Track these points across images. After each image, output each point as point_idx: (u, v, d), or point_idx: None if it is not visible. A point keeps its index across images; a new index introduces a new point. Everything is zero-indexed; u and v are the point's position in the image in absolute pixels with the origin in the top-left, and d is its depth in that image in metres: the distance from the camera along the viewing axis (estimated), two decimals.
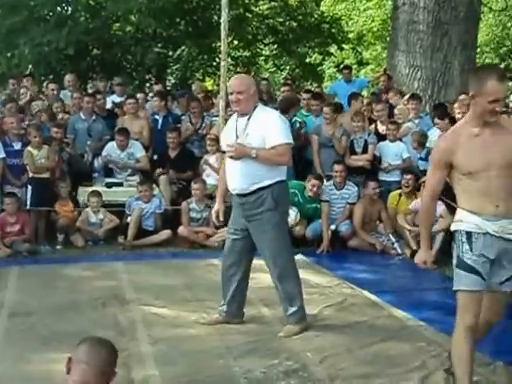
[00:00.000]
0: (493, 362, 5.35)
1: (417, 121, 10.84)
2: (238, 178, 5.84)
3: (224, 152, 6.16)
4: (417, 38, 13.20)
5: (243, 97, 5.75)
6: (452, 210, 8.92)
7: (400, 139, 10.57)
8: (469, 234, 4.29)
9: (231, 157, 5.77)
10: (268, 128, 5.73)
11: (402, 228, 9.57)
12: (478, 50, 19.97)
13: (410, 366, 5.29)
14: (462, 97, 10.34)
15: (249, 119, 5.80)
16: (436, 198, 4.49)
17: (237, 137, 5.83)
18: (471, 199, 4.27)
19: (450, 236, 4.79)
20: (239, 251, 6.06)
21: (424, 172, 9.94)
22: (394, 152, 10.45)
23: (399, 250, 9.58)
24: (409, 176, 9.82)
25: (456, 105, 9.62)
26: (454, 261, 4.39)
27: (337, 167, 9.97)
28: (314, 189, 9.71)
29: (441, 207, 9.24)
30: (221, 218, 6.22)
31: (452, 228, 4.44)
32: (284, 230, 6.02)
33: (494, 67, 5.03)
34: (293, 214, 9.39)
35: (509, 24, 20.16)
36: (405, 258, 9.38)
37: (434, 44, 13.07)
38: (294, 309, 5.98)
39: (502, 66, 20.24)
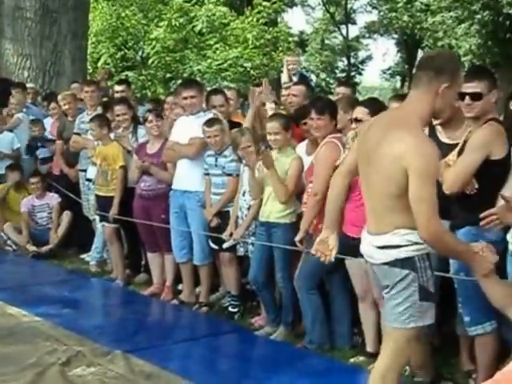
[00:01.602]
0: (111, 351, 5.30)
1: (25, 110, 10.42)
2: None
3: None
4: (24, 26, 12.70)
5: None
6: None
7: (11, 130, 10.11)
8: (428, 256, 3.50)
9: None
10: None
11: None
12: (94, 39, 20.04)
13: (24, 364, 5.06)
14: (74, 85, 10.18)
15: None
16: None
17: None
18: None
19: None
20: None
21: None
22: (4, 143, 9.95)
23: (14, 246, 9.15)
24: (15, 173, 9.47)
25: (60, 96, 9.37)
26: (416, 294, 3.46)
27: None
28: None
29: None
30: None
31: (406, 255, 3.45)
32: None
33: None
34: None
35: (123, 14, 20.48)
36: (21, 254, 9.03)
37: (43, 32, 12.69)
38: None
39: (119, 55, 20.53)
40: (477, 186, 4.34)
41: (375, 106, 5.21)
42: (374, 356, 5.26)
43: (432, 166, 3.32)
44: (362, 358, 5.32)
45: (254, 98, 6.94)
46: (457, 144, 4.52)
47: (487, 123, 4.37)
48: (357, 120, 5.14)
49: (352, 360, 5.35)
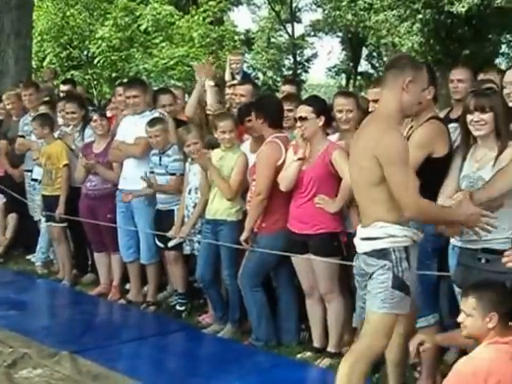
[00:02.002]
0: (58, 353, 5.26)
1: None
2: None
3: None
4: None
5: None
6: None
7: None
8: (406, 250, 3.77)
9: None
10: None
11: None
12: (39, 38, 19.81)
13: None
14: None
15: None
16: None
17: None
18: (396, 207, 3.70)
19: None
20: None
21: None
22: None
23: None
24: None
25: (4, 96, 9.21)
26: (389, 281, 3.71)
27: None
28: None
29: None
30: None
31: (382, 246, 3.74)
32: None
33: None
34: None
35: (68, 12, 20.28)
36: None
37: None
38: None
39: (64, 54, 20.38)
40: (419, 183, 4.42)
41: (318, 104, 5.27)
42: (320, 351, 5.33)
43: (400, 151, 3.65)
44: (308, 354, 5.38)
45: (202, 72, 6.92)
46: None
47: (428, 121, 4.46)
48: (301, 118, 5.20)
49: (299, 356, 5.40)
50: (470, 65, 6.11)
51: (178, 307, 6.52)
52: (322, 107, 5.25)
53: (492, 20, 21.97)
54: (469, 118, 4.10)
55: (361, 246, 3.88)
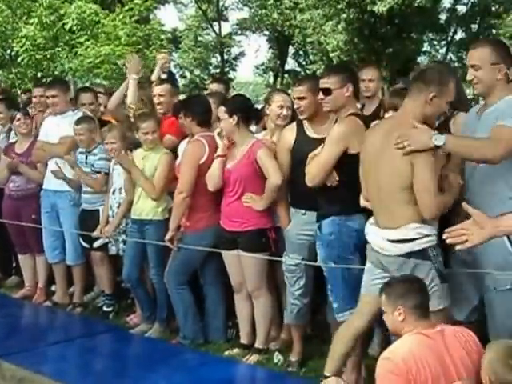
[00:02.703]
0: None
1: None
2: None
3: None
4: None
5: None
6: None
7: None
8: (437, 246, 3.88)
9: None
10: None
11: None
12: None
13: None
14: None
15: None
16: None
17: None
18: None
19: None
20: None
21: None
22: None
23: None
24: None
25: None
26: (436, 278, 3.86)
27: None
28: None
29: None
30: None
31: (420, 247, 3.84)
32: None
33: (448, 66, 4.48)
34: None
35: None
36: None
37: None
38: None
39: None
40: (337, 179, 4.48)
41: (231, 104, 5.31)
42: (248, 348, 5.36)
43: (431, 157, 3.76)
44: (236, 350, 5.40)
45: (134, 66, 6.78)
46: (324, 138, 4.64)
47: (347, 117, 4.52)
48: (218, 118, 5.26)
49: (226, 353, 5.42)
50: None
51: (105, 308, 6.48)
52: (235, 107, 5.24)
53: (414, 19, 22.46)
54: (386, 116, 4.20)
55: (391, 248, 3.90)
